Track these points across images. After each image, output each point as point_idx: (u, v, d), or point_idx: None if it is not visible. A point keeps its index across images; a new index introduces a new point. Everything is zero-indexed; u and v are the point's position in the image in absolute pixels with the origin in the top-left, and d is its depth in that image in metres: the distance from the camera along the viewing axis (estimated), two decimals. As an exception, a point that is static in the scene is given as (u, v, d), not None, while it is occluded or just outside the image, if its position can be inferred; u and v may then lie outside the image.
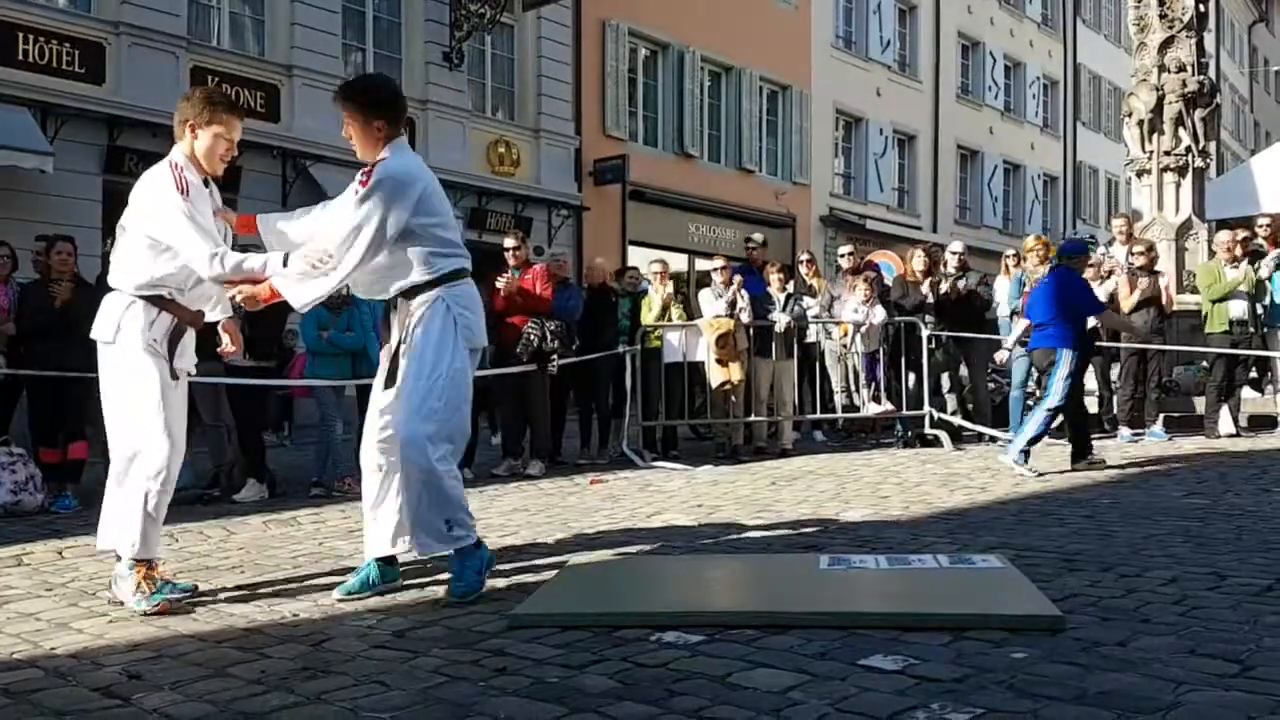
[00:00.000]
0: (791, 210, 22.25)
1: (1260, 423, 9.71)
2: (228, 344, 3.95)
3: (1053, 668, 2.56)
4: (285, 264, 3.60)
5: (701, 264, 19.22)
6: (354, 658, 2.87)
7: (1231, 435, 8.96)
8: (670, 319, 8.97)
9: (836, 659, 2.69)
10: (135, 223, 3.65)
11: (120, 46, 12.66)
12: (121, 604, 3.56)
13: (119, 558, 3.63)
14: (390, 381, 3.76)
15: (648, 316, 8.95)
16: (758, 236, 10.46)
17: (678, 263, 17.14)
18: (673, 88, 20.17)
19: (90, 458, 6.99)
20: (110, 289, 3.74)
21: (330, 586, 3.83)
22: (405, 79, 15.89)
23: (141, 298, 3.64)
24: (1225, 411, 9.14)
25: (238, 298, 3.64)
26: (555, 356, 7.97)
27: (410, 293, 3.70)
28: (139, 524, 3.56)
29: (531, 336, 7.82)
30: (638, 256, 17.03)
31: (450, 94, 16.18)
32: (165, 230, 3.57)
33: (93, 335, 3.69)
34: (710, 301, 8.88)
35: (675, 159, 20.10)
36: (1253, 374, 9.79)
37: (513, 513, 5.85)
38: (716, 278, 8.96)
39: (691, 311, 9.30)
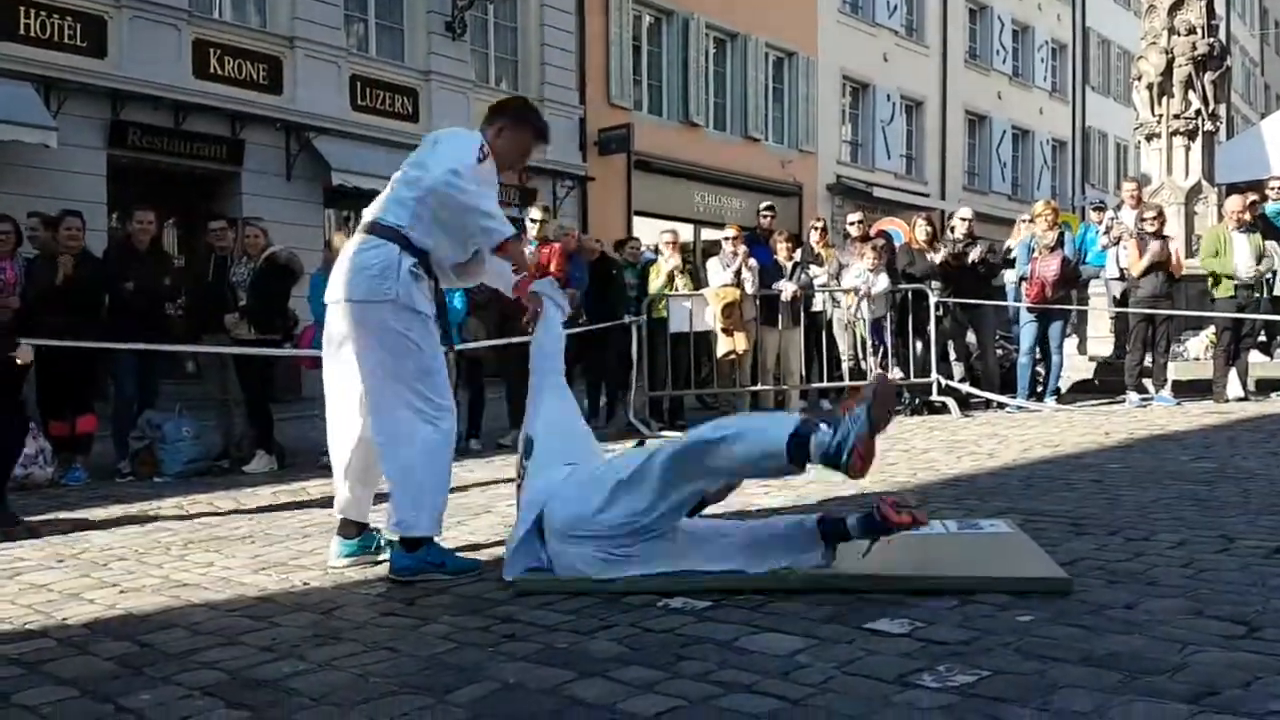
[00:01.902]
0: (798, 179, 22.13)
1: (1268, 386, 9.69)
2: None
3: (1060, 630, 2.57)
4: None
5: (707, 234, 19.17)
6: (364, 625, 2.89)
7: (1240, 399, 8.94)
8: (676, 288, 8.94)
9: (843, 623, 2.70)
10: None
11: (122, 20, 12.60)
12: None
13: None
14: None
15: (654, 286, 8.93)
16: (771, 205, 10.44)
17: (684, 232, 17.07)
18: (677, 56, 20.01)
19: (98, 431, 7.03)
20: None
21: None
22: (407, 49, 15.82)
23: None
24: (1233, 375, 9.12)
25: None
26: None
27: None
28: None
29: (533, 308, 7.81)
30: (643, 226, 16.96)
31: (453, 64, 16.07)
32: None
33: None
34: (717, 271, 8.86)
35: (680, 128, 19.97)
36: (1261, 337, 9.76)
37: (520, 482, 5.85)
38: (727, 246, 8.93)
39: (698, 281, 9.27)
